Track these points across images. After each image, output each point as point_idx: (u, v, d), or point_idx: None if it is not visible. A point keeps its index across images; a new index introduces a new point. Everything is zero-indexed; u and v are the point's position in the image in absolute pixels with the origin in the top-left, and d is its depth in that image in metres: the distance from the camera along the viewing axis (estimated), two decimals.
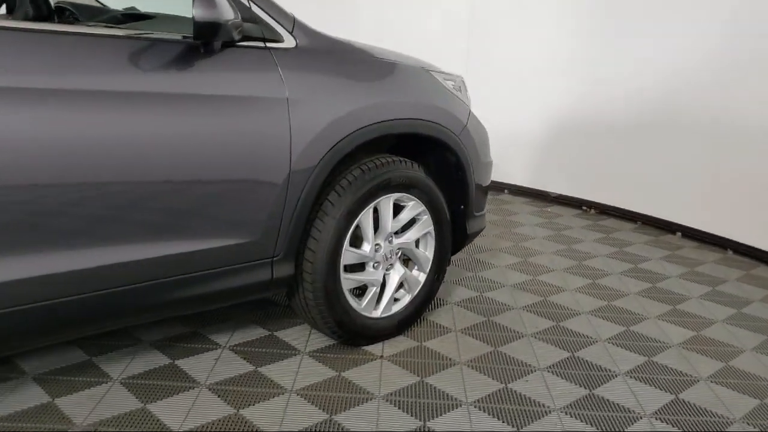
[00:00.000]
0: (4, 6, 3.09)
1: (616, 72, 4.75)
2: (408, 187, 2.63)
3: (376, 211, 2.58)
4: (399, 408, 2.29)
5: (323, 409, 2.25)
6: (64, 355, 2.49)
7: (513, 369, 2.59)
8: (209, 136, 2.07)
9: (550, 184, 5.31)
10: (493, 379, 2.51)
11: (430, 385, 2.44)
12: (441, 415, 2.27)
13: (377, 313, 2.69)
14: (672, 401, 2.44)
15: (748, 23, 4.07)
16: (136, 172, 1.96)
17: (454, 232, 2.92)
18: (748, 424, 2.33)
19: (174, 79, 2.03)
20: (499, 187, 5.52)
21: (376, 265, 2.63)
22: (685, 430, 2.27)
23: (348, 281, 2.55)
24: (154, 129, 1.98)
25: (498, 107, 5.36)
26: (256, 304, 2.99)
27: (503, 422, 2.25)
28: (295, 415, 2.21)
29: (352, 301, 2.59)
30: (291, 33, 2.29)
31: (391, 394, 2.37)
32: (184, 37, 2.06)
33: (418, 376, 2.50)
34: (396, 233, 2.69)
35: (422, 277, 2.82)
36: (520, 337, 2.86)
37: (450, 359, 2.64)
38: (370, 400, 2.33)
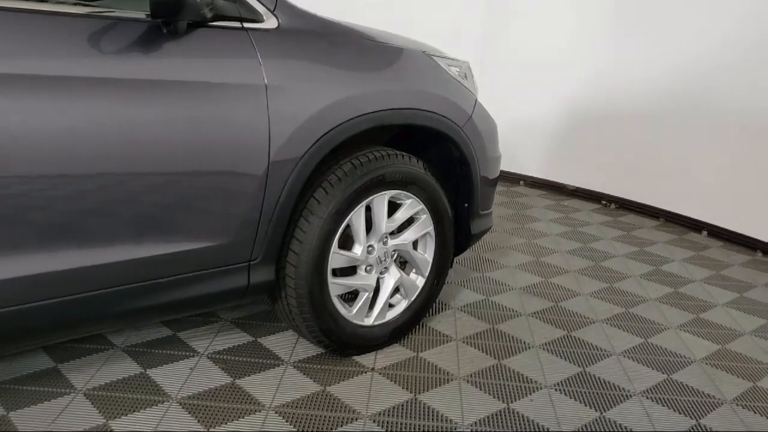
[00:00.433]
0: None
1: (638, 59, 4.46)
2: (405, 183, 2.39)
3: (369, 209, 2.34)
4: (386, 430, 2.06)
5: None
6: (29, 361, 2.30)
7: (517, 386, 2.35)
8: (174, 127, 1.85)
9: (567, 176, 5.04)
10: (494, 397, 2.28)
11: (424, 404, 2.21)
12: None
13: (369, 320, 2.46)
14: (693, 426, 2.19)
15: None
16: (91, 166, 1.74)
17: (456, 233, 2.68)
18: None
19: (136, 63, 1.80)
20: (514, 179, 5.26)
21: (368, 268, 2.40)
22: None
23: (336, 286, 2.32)
24: (110, 119, 1.75)
25: (514, 96, 5.11)
26: (242, 305, 2.78)
27: None
28: None
29: (341, 308, 2.37)
30: (272, 12, 2.06)
31: (379, 414, 2.14)
32: (148, 15, 1.83)
33: (411, 392, 2.27)
34: (392, 234, 2.45)
35: (420, 282, 2.59)
36: (526, 349, 2.62)
37: (448, 373, 2.40)
38: (356, 420, 2.11)
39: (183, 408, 2.10)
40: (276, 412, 2.11)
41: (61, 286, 1.76)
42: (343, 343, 2.40)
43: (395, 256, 2.50)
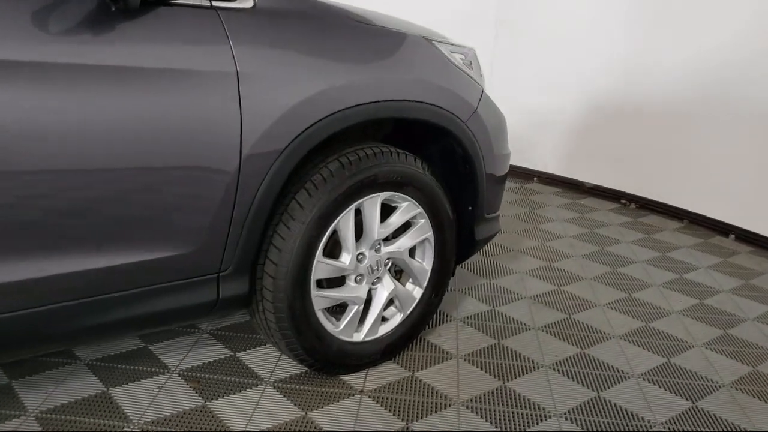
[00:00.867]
0: None
1: (663, 50, 4.15)
2: (400, 184, 2.13)
3: (359, 213, 2.09)
4: None
5: None
6: None
7: (523, 413, 2.10)
8: (128, 119, 1.59)
9: (584, 172, 4.74)
10: (496, 426, 2.02)
11: None
12: None
13: (360, 336, 2.21)
14: None
15: None
16: (31, 165, 1.50)
17: (459, 239, 2.42)
18: None
19: (84, 46, 1.55)
20: (527, 175, 4.97)
21: (358, 278, 2.15)
22: None
23: (322, 299, 2.08)
24: (52, 111, 1.50)
25: (528, 86, 4.82)
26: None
27: None
28: None
29: (327, 323, 2.12)
30: None
31: None
32: None
33: (402, 420, 2.02)
34: (385, 240, 2.20)
35: (418, 293, 2.33)
36: (535, 369, 2.36)
37: (446, 397, 2.15)
38: None
39: None
40: None
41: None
42: (329, 362, 2.16)
43: (389, 264, 2.24)
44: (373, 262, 2.16)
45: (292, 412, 2.02)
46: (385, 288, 2.23)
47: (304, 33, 1.90)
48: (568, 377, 2.32)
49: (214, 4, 1.73)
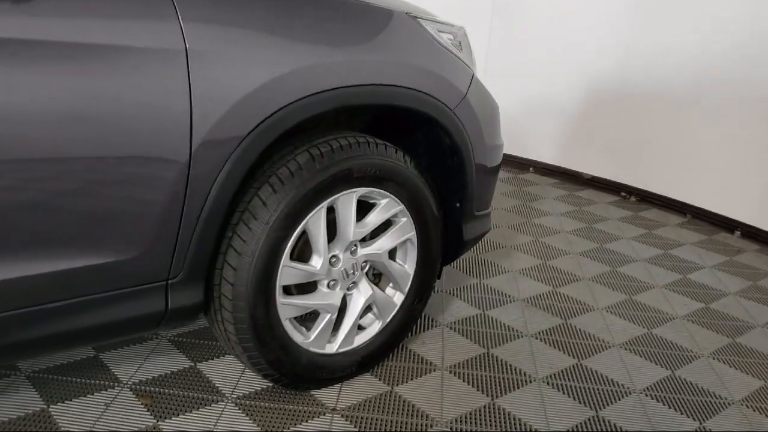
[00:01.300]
0: None
1: (668, 38, 3.90)
2: (379, 179, 1.90)
3: (332, 211, 1.86)
4: None
5: None
6: None
7: None
8: (57, 102, 1.36)
9: (583, 163, 4.51)
10: None
11: None
12: None
13: (333, 347, 1.99)
14: None
15: None
16: None
17: (445, 238, 2.19)
18: None
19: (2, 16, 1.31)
20: (523, 165, 4.74)
21: (331, 284, 1.92)
22: None
23: (289, 307, 1.85)
24: None
25: (525, 72, 4.58)
26: None
27: None
28: None
29: (295, 334, 1.89)
30: None
31: None
32: None
33: None
34: (362, 241, 1.97)
35: (399, 299, 2.11)
36: (527, 383, 2.14)
37: (427, 417, 1.93)
38: None
39: None
40: None
41: None
42: (297, 377, 1.93)
43: (367, 268, 2.01)
44: (348, 265, 1.94)
45: None
46: (362, 294, 2.01)
47: (267, 7, 1.65)
48: (564, 392, 2.11)
49: None
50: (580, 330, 2.51)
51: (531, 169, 4.72)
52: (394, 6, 1.97)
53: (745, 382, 2.27)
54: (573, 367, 2.26)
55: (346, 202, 1.86)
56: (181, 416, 1.85)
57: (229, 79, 1.55)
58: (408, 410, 1.95)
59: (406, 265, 2.09)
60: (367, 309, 2.05)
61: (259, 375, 1.90)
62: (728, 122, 3.70)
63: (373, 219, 1.95)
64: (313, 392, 1.99)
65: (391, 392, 2.03)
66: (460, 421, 1.92)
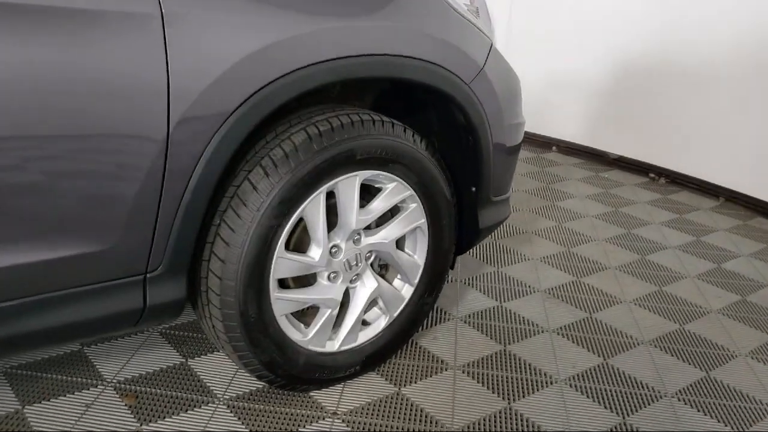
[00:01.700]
0: None
1: (702, 4, 3.63)
2: (385, 161, 1.71)
3: (332, 196, 1.68)
4: None
5: None
6: None
7: None
8: (16, 73, 1.18)
9: (609, 142, 4.27)
10: None
11: None
12: None
13: (334, 344, 1.82)
14: None
15: None
16: None
17: (459, 226, 2.00)
18: None
19: None
20: (545, 144, 4.51)
21: (332, 276, 1.74)
22: None
23: (284, 303, 1.68)
24: None
25: (550, 47, 4.33)
26: None
27: None
28: None
29: (292, 331, 1.73)
30: None
31: None
32: None
33: None
34: (367, 229, 1.78)
35: (407, 292, 1.93)
36: (548, 384, 1.96)
37: (437, 422, 1.76)
38: None
39: None
40: None
41: None
42: (294, 378, 1.76)
43: (372, 259, 1.83)
44: (351, 256, 1.76)
45: None
46: (367, 287, 1.83)
47: None
48: (588, 396, 1.92)
49: None
50: (606, 325, 2.31)
51: (554, 148, 4.49)
52: None
53: None
54: (598, 367, 2.07)
55: (348, 186, 1.67)
56: (167, 419, 1.69)
57: (212, 48, 1.37)
58: (416, 415, 1.78)
59: (416, 256, 1.90)
60: (372, 303, 1.88)
61: (253, 376, 1.74)
62: (765, 101, 3.45)
63: (379, 205, 1.76)
64: (312, 394, 1.83)
65: (397, 394, 1.86)
66: (473, 427, 1.75)
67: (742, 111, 3.56)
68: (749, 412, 1.92)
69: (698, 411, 1.91)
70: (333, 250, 1.72)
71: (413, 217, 1.84)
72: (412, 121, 1.88)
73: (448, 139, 1.96)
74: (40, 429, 1.61)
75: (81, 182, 1.30)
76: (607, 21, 4.06)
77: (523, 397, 1.89)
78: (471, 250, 2.71)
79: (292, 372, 1.74)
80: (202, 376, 1.86)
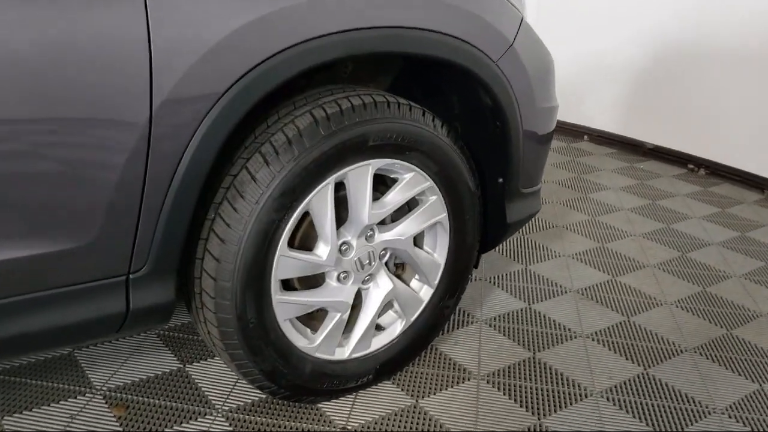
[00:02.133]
0: None
1: None
2: (401, 148, 1.52)
3: (342, 187, 1.50)
4: None
5: None
6: None
7: None
8: None
9: (645, 131, 4.05)
10: None
11: None
12: None
13: (345, 351, 1.64)
14: None
15: None
16: None
17: (484, 221, 1.82)
18: None
19: None
20: (576, 132, 4.29)
21: (342, 276, 1.57)
22: None
23: (288, 306, 1.50)
24: None
25: (581, 25, 4.10)
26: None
27: None
28: None
29: (297, 337, 1.55)
30: None
31: None
32: None
33: None
34: (381, 224, 1.60)
35: (426, 293, 1.74)
36: (582, 397, 1.77)
37: None
38: None
39: None
40: None
41: None
42: (300, 388, 1.59)
43: (387, 257, 1.65)
44: (363, 254, 1.58)
45: None
46: (381, 288, 1.65)
47: None
48: (627, 410, 1.73)
49: None
50: (645, 330, 2.11)
51: (585, 137, 4.27)
52: None
53: None
54: (637, 377, 1.87)
55: (360, 176, 1.49)
56: None
57: (202, 17, 1.19)
58: (434, 430, 1.60)
59: (436, 254, 1.72)
60: (387, 306, 1.70)
61: (253, 386, 1.57)
62: None
63: (394, 198, 1.58)
64: (320, 406, 1.66)
65: (414, 406, 1.68)
66: None
67: None
68: None
69: (747, 427, 1.70)
70: (343, 248, 1.54)
71: (433, 211, 1.65)
72: (432, 103, 1.69)
73: (472, 125, 1.77)
74: None
75: (51, 168, 1.13)
76: (645, 1, 3.82)
77: (555, 411, 1.71)
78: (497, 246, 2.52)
79: (297, 382, 1.57)
80: (200, 384, 1.70)
